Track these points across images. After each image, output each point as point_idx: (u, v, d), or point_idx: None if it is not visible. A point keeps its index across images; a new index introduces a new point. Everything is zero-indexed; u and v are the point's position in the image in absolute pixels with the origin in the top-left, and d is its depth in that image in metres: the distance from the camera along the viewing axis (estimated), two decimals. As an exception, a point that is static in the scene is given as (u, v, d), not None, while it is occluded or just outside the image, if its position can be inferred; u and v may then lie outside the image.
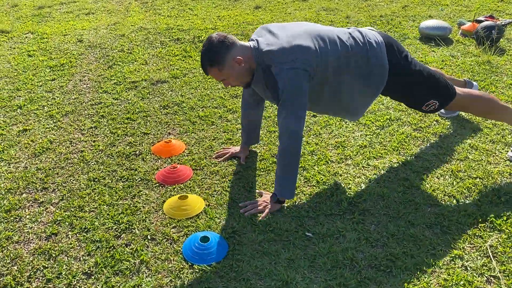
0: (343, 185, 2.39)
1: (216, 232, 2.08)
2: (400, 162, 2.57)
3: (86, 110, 3.20)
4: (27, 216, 2.22)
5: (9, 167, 2.59)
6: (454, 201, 2.26)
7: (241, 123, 2.61)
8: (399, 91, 2.37)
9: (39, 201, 2.33)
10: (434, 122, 2.94)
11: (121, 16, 5.37)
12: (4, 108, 3.24)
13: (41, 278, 1.88)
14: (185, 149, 2.73)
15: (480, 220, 2.12)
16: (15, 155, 2.70)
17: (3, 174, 2.53)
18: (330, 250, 1.97)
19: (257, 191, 2.36)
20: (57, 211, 2.25)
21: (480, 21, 4.46)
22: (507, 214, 2.15)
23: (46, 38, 4.60)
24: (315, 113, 3.02)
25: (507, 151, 2.62)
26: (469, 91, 2.47)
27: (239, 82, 2.19)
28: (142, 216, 2.19)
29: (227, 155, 2.61)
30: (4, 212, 2.24)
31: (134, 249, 2.00)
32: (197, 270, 1.89)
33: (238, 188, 2.39)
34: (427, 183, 2.39)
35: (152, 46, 4.36)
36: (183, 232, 2.10)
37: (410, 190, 2.35)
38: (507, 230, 2.05)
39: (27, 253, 2.00)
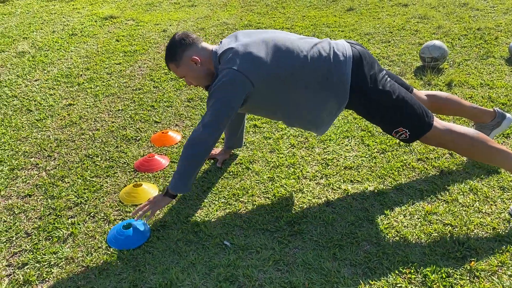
0: (296, 203, 2.30)
1: (148, 222, 2.20)
2: (375, 191, 2.36)
3: (126, 94, 3.55)
4: (22, 177, 2.62)
5: (38, 134, 3.05)
6: (404, 244, 2.02)
7: None
8: (364, 111, 2.20)
9: (38, 166, 2.72)
10: (447, 155, 2.60)
11: (216, 10, 5.70)
12: (67, 83, 3.77)
13: (-6, 229, 2.23)
14: (179, 141, 2.89)
15: (412, 271, 1.87)
16: (48, 124, 3.17)
17: (29, 139, 3.00)
18: (232, 263, 1.95)
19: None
20: (45, 177, 2.61)
21: None
22: (450, 271, 1.86)
23: (141, 26, 5.13)
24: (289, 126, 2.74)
25: (512, 203, 2.22)
26: (451, 126, 2.15)
27: (198, 82, 2.24)
28: (100, 195, 2.42)
29: None
30: (8, 170, 2.68)
31: (73, 221, 2.24)
32: (109, 252, 2.05)
33: (196, 187, 2.46)
34: (386, 219, 2.17)
35: (222, 41, 4.57)
36: (122, 216, 2.27)
37: (361, 222, 2.16)
38: (436, 290, 1.79)
39: (0, 207, 2.39)
